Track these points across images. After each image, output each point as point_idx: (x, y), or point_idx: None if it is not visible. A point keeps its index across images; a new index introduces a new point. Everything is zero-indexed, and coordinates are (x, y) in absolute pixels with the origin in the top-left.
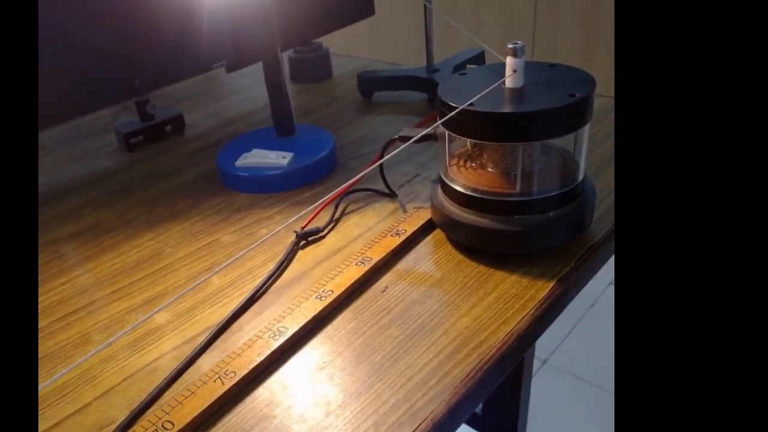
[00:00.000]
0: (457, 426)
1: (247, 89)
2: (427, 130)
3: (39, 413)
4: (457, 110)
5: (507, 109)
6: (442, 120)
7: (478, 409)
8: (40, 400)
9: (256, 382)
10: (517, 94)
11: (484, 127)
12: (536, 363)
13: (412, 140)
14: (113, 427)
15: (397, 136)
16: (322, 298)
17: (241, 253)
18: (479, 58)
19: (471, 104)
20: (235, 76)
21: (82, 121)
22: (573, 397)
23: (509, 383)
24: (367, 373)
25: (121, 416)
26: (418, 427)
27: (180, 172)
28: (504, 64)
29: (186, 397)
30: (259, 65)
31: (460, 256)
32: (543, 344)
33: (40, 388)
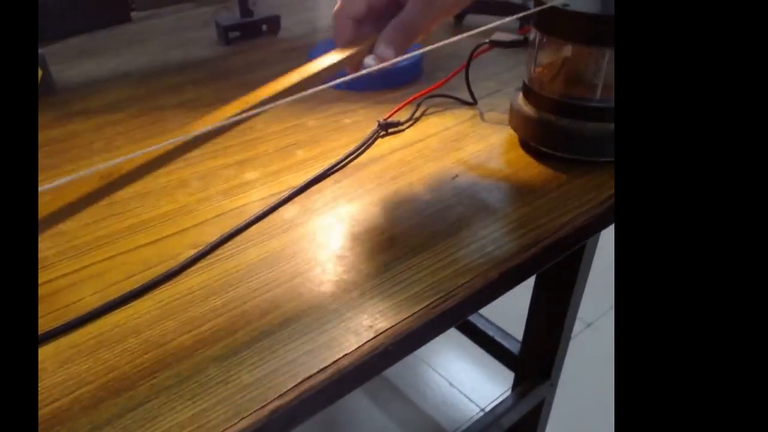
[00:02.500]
0: (504, 288)
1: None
2: (518, 18)
3: (146, 230)
4: (550, 4)
5: (601, 11)
6: (534, 10)
7: (515, 348)
8: (145, 222)
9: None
10: (610, 2)
11: (575, 28)
12: (580, 325)
13: (499, 43)
14: (205, 247)
15: (487, 41)
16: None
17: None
18: None
19: (566, 5)
20: None
21: (182, 15)
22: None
23: (553, 308)
24: (429, 236)
25: (213, 240)
26: (470, 280)
27: (272, 66)
28: None
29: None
30: None
31: (530, 158)
32: (589, 308)
33: (146, 214)
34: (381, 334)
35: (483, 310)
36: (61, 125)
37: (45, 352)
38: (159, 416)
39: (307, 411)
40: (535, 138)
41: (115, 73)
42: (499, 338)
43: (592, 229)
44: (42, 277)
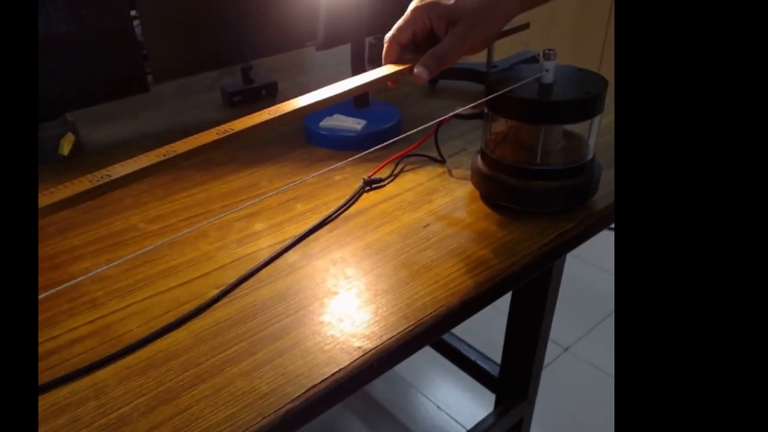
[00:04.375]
0: (465, 315)
1: (331, 66)
2: (474, 105)
3: (176, 274)
4: (498, 94)
5: (536, 97)
6: (486, 98)
7: (495, 371)
8: (174, 267)
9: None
10: (547, 88)
11: (518, 110)
12: (557, 349)
13: (461, 115)
14: (226, 287)
15: (452, 113)
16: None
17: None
18: (533, 61)
19: (510, 91)
20: (321, 54)
21: (187, 81)
22: (590, 386)
23: (526, 332)
24: (406, 275)
25: (232, 281)
26: (436, 309)
27: (272, 129)
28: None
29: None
30: (344, 47)
31: (488, 209)
32: (566, 332)
33: (174, 261)
34: (368, 353)
35: (465, 336)
36: None
37: (106, 373)
38: (200, 418)
39: (313, 412)
40: (491, 193)
41: (136, 135)
42: (480, 362)
43: (537, 266)
44: (96, 314)
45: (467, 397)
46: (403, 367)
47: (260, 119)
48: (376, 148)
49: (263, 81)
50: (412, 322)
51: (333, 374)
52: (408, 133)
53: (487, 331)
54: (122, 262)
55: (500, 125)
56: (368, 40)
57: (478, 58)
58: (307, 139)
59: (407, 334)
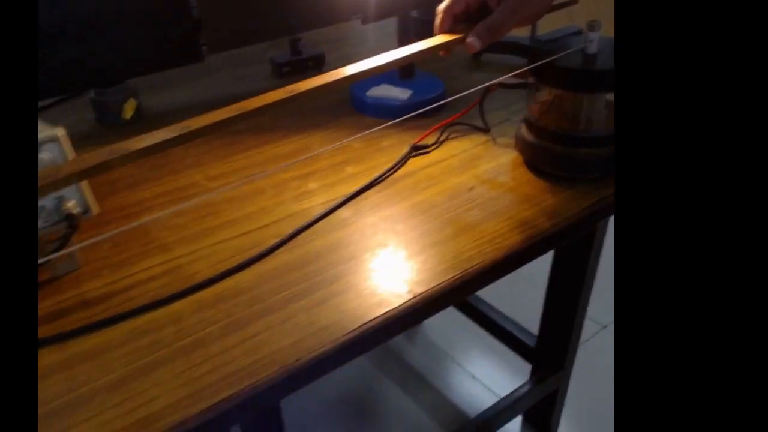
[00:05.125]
0: (509, 269)
1: (375, 40)
2: (519, 73)
3: (237, 225)
4: (544, 62)
5: (580, 67)
6: (532, 65)
7: (532, 343)
8: (236, 219)
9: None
10: (591, 58)
11: (562, 79)
12: (595, 327)
13: (506, 84)
14: (284, 237)
15: (497, 80)
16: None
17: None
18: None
19: (555, 60)
20: (365, 28)
21: (237, 52)
22: None
23: (565, 300)
24: (451, 232)
25: (289, 232)
26: (481, 261)
27: (318, 98)
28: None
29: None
30: (386, 23)
31: (531, 175)
32: (605, 311)
33: (235, 214)
34: (417, 297)
35: (504, 308)
36: None
37: (181, 305)
38: (268, 343)
39: (364, 346)
40: (535, 160)
41: (191, 102)
42: (517, 333)
43: (579, 227)
44: (167, 257)
45: (503, 368)
46: (441, 338)
47: (324, 81)
48: (422, 110)
49: (310, 53)
50: (458, 272)
51: (384, 313)
52: (454, 97)
53: (524, 305)
54: (186, 206)
55: (545, 94)
56: (413, 13)
57: (522, 33)
58: (354, 108)
59: (454, 282)
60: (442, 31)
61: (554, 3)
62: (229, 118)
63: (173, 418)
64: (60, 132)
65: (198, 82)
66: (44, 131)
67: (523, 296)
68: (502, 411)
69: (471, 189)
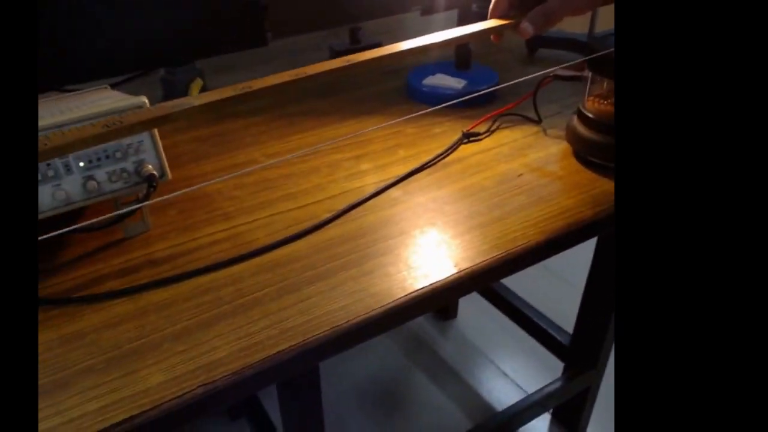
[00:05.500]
0: (551, 252)
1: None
2: (573, 64)
3: (293, 199)
4: (600, 54)
5: None
6: (587, 57)
7: (566, 341)
8: (292, 194)
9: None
10: None
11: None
12: None
13: (561, 77)
14: (337, 212)
15: (551, 74)
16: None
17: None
18: None
19: (610, 52)
20: (425, 20)
21: (298, 39)
22: None
23: (602, 299)
24: (498, 214)
25: (342, 207)
26: (524, 243)
27: (376, 84)
28: None
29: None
30: (445, 15)
31: (579, 165)
32: None
33: (291, 189)
34: (462, 271)
35: (538, 305)
36: (218, 124)
37: (240, 268)
38: (319, 306)
39: (409, 314)
40: (584, 149)
41: None
42: (552, 330)
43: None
44: (229, 224)
45: (535, 367)
46: (475, 334)
47: (379, 54)
48: (475, 96)
49: (369, 42)
50: (502, 251)
51: (431, 285)
52: (510, 84)
53: (561, 304)
54: (248, 185)
55: (599, 87)
56: (473, 7)
57: (579, 29)
58: (408, 96)
59: (497, 260)
60: (495, 16)
61: None
62: (286, 82)
63: (232, 366)
64: (144, 99)
65: (260, 67)
66: (130, 99)
67: (559, 295)
68: (531, 406)
69: (520, 176)
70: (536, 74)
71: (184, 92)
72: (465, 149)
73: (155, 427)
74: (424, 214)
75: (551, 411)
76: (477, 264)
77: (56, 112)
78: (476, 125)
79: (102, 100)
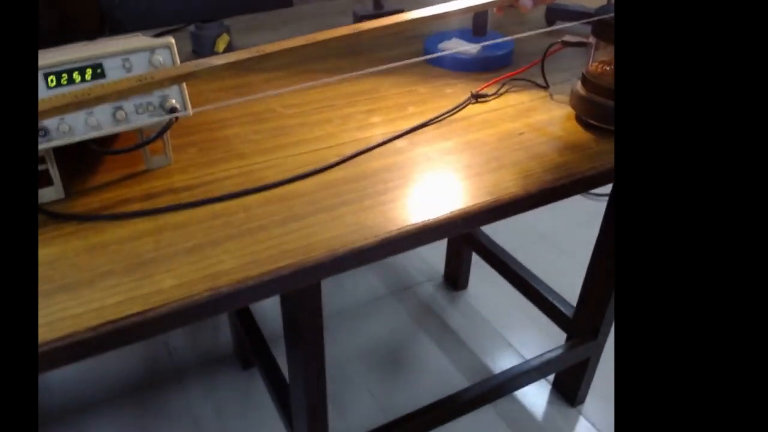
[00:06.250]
0: (539, 202)
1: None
2: (576, 24)
3: (305, 144)
4: (599, 17)
5: None
6: (590, 19)
7: (570, 313)
8: (304, 140)
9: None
10: None
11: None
12: None
13: (568, 42)
14: (345, 156)
15: (559, 41)
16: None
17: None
18: None
19: (612, 16)
20: None
21: (324, 4)
22: None
23: (605, 273)
24: (496, 166)
25: (350, 153)
26: (514, 191)
27: (395, 48)
28: None
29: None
30: None
31: (579, 127)
32: None
33: (304, 136)
34: (455, 213)
35: (544, 277)
36: (242, 76)
37: (250, 200)
38: (318, 233)
39: (403, 246)
40: (585, 112)
41: None
42: (557, 303)
43: (612, 176)
44: (243, 162)
45: (541, 338)
46: (483, 304)
47: (383, 23)
48: (487, 71)
49: (391, 8)
50: (494, 197)
51: (423, 221)
52: (518, 35)
53: (566, 274)
54: (265, 131)
55: (603, 54)
56: None
57: (598, 3)
58: (425, 61)
59: (489, 205)
60: None
61: None
62: (296, 47)
63: (237, 276)
64: (171, 40)
65: (286, 28)
66: (159, 40)
67: (565, 266)
68: (528, 371)
69: (521, 134)
70: (538, 31)
71: (212, 47)
72: (472, 108)
73: (164, 322)
74: (426, 163)
75: (552, 382)
76: (469, 207)
77: (99, 47)
78: (485, 87)
79: (134, 41)
